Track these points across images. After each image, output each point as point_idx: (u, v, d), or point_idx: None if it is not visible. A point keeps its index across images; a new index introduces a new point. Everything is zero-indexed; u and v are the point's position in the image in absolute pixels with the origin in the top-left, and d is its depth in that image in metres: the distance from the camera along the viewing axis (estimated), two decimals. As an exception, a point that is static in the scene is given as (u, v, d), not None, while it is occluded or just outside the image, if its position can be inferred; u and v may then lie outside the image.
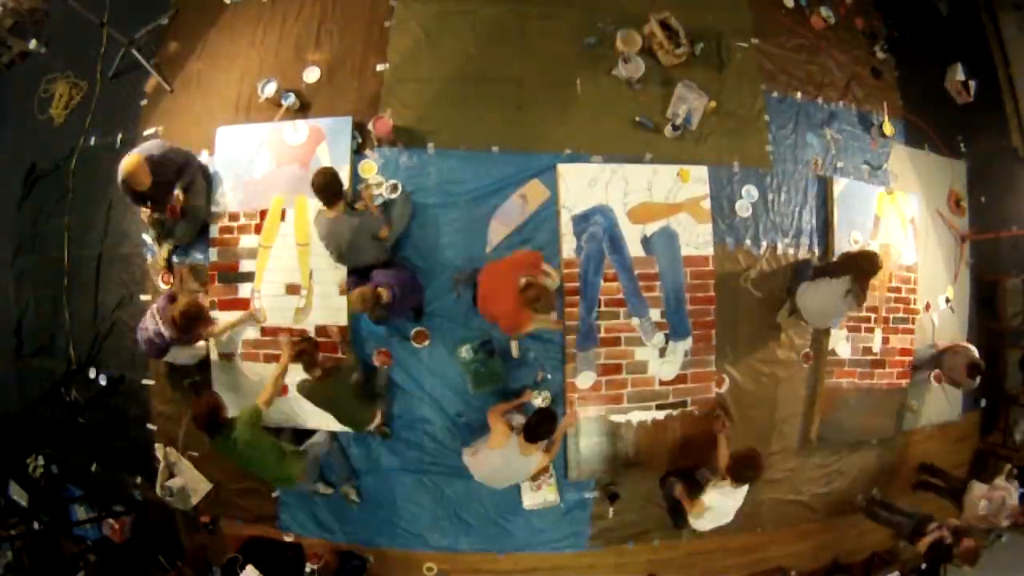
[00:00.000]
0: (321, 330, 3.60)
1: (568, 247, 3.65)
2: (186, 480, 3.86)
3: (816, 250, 4.13)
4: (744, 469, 3.17)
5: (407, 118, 3.73)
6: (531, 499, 3.69)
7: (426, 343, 3.64)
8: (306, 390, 3.13)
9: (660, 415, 3.75)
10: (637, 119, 3.86)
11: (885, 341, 4.21)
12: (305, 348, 3.06)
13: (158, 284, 3.89)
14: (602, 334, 3.68)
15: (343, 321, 3.58)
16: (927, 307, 4.51)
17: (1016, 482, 4.40)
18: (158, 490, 3.85)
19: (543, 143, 3.76)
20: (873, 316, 4.16)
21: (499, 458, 3.13)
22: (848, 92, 4.46)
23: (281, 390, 3.55)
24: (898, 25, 4.89)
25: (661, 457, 3.78)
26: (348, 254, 3.28)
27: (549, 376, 3.68)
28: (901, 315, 4.28)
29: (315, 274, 3.63)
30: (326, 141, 3.69)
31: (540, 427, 3.03)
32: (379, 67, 3.82)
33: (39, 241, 4.44)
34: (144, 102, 4.17)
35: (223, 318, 3.64)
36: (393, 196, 3.57)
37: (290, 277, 3.66)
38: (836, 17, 4.60)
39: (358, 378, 3.33)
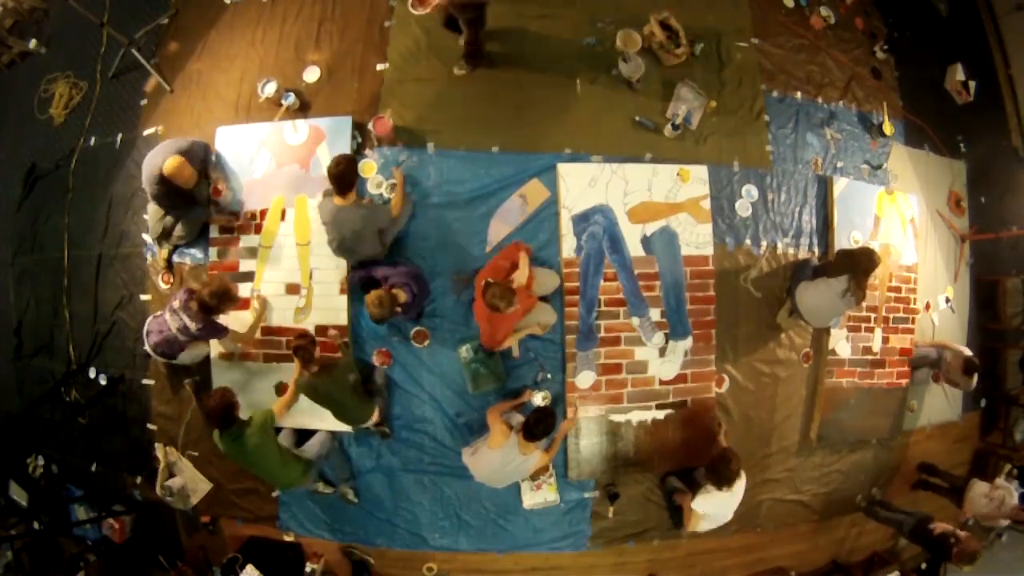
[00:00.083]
0: (320, 330, 3.60)
1: (568, 247, 3.66)
2: (186, 480, 3.86)
3: (816, 250, 4.13)
4: (721, 469, 3.16)
5: (407, 118, 3.74)
6: (531, 499, 3.69)
7: (426, 343, 3.64)
8: (304, 386, 3.13)
9: (660, 415, 3.74)
10: (637, 119, 3.87)
11: (885, 341, 4.21)
12: (302, 344, 3.05)
13: (158, 284, 3.89)
14: (602, 334, 3.68)
15: (343, 321, 3.59)
16: (927, 307, 4.52)
17: (1016, 482, 4.42)
18: (158, 490, 3.85)
19: (543, 143, 3.76)
20: (873, 316, 4.16)
21: (498, 457, 3.13)
22: (848, 92, 4.46)
23: (282, 389, 3.58)
24: (898, 25, 4.89)
25: (661, 457, 3.78)
26: (350, 244, 3.26)
27: (549, 376, 3.68)
28: (901, 315, 4.28)
29: (315, 274, 3.63)
30: (326, 141, 3.69)
31: (539, 426, 3.03)
32: (379, 67, 3.82)
33: (39, 241, 4.44)
34: (144, 102, 4.18)
35: (243, 318, 3.60)
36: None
37: (290, 277, 3.66)
38: (836, 17, 4.61)
39: (356, 375, 3.33)
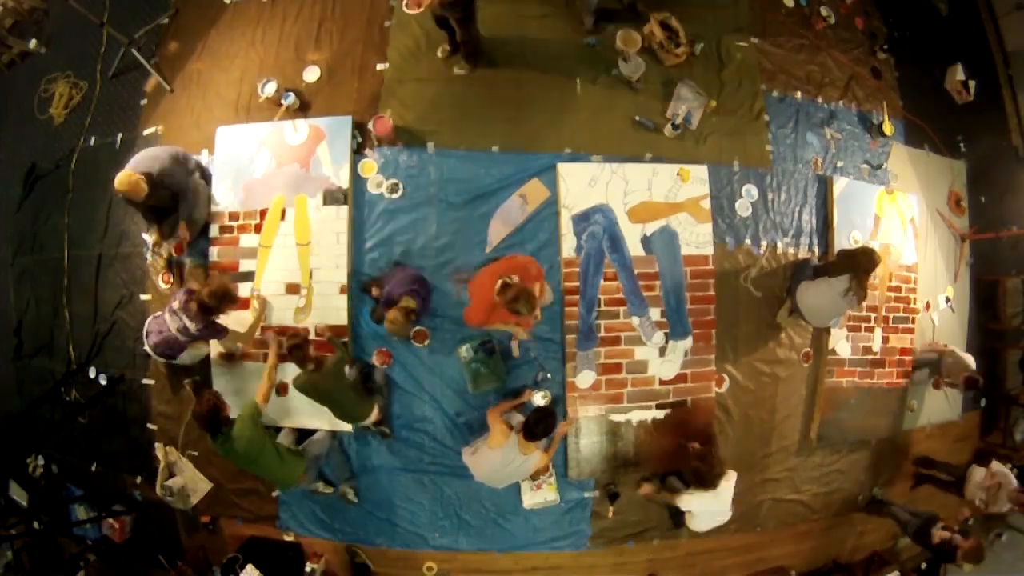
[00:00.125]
0: (321, 330, 3.60)
1: (568, 246, 3.66)
2: (186, 480, 3.86)
3: (816, 250, 4.13)
4: (702, 472, 3.17)
5: (407, 118, 3.74)
6: (531, 499, 3.69)
7: (426, 343, 3.64)
8: (301, 384, 3.12)
9: (660, 415, 3.74)
10: (637, 119, 3.87)
11: (885, 341, 4.21)
12: (296, 343, 3.04)
13: (158, 284, 3.89)
14: (602, 334, 3.68)
15: (343, 321, 3.58)
16: (927, 307, 4.52)
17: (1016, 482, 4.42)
18: (158, 490, 3.85)
19: (543, 143, 3.77)
20: (873, 316, 4.16)
21: (498, 457, 3.13)
22: (848, 92, 4.46)
23: (281, 389, 3.57)
24: (898, 25, 4.89)
25: (660, 457, 3.78)
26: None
27: (549, 375, 3.68)
28: (901, 315, 4.28)
29: (315, 274, 3.63)
30: (326, 141, 3.69)
31: (539, 425, 3.03)
32: (379, 67, 3.82)
33: (39, 241, 4.44)
34: (144, 102, 4.18)
35: (242, 318, 3.58)
36: (394, 195, 3.61)
37: (290, 277, 3.66)
38: (836, 17, 4.61)
39: (354, 372, 3.33)
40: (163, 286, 3.87)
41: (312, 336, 3.56)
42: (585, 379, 3.66)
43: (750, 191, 4.01)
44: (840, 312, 3.76)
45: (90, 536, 4.21)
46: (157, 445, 3.92)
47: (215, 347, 3.68)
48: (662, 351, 3.73)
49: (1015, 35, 5.42)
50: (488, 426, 3.24)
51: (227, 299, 3.15)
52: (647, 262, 3.75)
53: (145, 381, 3.95)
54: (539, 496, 3.69)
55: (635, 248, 3.73)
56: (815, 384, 4.11)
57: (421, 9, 3.06)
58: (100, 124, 4.30)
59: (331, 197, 3.62)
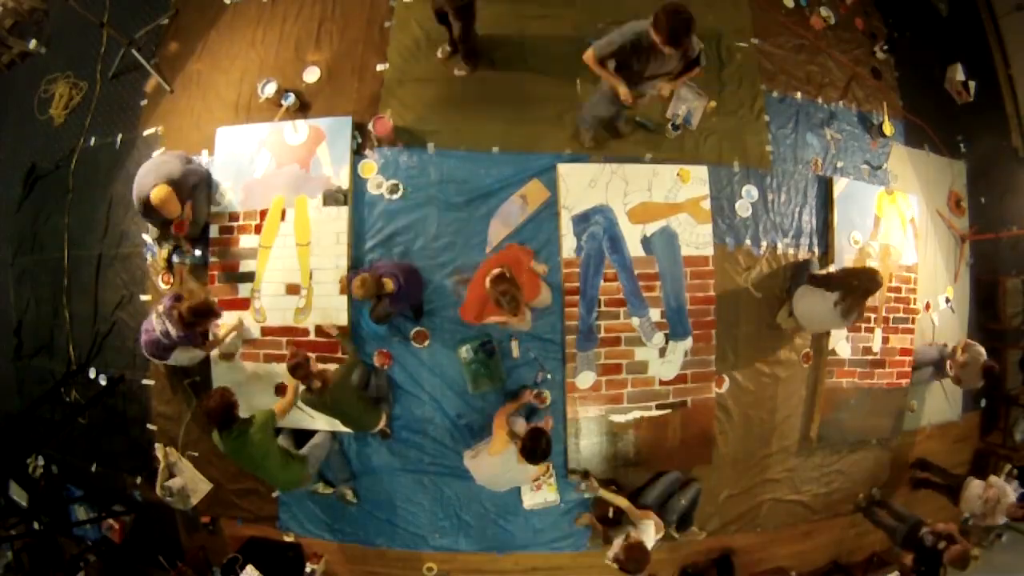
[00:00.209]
0: (319, 330, 3.61)
1: (568, 247, 3.66)
2: (186, 480, 3.86)
3: (816, 250, 4.12)
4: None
5: (407, 118, 3.74)
6: (531, 499, 3.69)
7: (426, 343, 3.64)
8: (310, 402, 3.10)
9: (659, 415, 3.74)
10: (637, 119, 3.87)
11: (885, 341, 4.21)
12: (298, 363, 2.97)
13: (158, 284, 3.89)
14: (602, 334, 3.68)
15: (343, 321, 3.59)
16: (927, 307, 4.52)
17: (1016, 482, 4.41)
18: (158, 490, 3.85)
19: (543, 143, 3.77)
20: (873, 316, 4.16)
21: (498, 463, 3.12)
22: (848, 92, 4.46)
23: (280, 389, 3.60)
24: (898, 25, 4.89)
25: (661, 457, 3.78)
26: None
27: (549, 376, 3.68)
28: (901, 315, 4.28)
29: (315, 274, 3.63)
30: (326, 141, 3.69)
31: (535, 450, 2.95)
32: (379, 67, 3.82)
33: (39, 241, 4.45)
34: (144, 102, 4.18)
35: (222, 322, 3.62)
36: (394, 195, 3.61)
37: (290, 277, 3.66)
38: (836, 17, 4.60)
39: (359, 379, 3.33)
40: (163, 286, 3.88)
41: (314, 336, 3.57)
42: (585, 379, 3.66)
43: (750, 192, 4.01)
44: (834, 326, 3.74)
45: (90, 536, 4.21)
46: (157, 445, 3.92)
47: (214, 348, 3.69)
48: (662, 352, 3.73)
49: (1015, 35, 5.42)
50: (492, 430, 3.23)
51: (207, 316, 3.25)
52: (647, 263, 3.74)
53: (145, 381, 3.95)
54: (539, 496, 3.69)
55: (635, 249, 3.73)
56: (815, 384, 4.10)
57: None
58: (100, 124, 4.31)
59: (331, 198, 3.62)
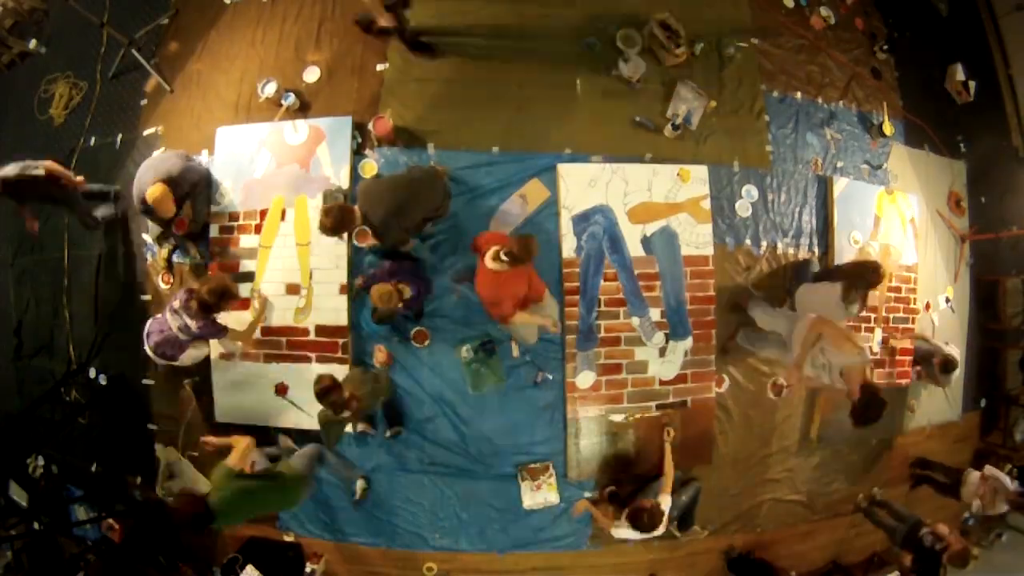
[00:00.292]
0: (321, 330, 3.62)
1: (568, 247, 3.65)
2: (186, 480, 3.86)
3: (816, 250, 4.12)
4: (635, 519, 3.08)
5: (407, 118, 3.74)
6: (531, 499, 3.69)
7: (426, 343, 3.64)
8: (325, 421, 3.06)
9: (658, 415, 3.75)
10: (637, 119, 3.87)
11: (885, 341, 4.21)
12: (329, 387, 2.85)
13: (158, 284, 3.89)
14: (602, 334, 3.68)
15: (343, 321, 3.58)
16: (927, 307, 4.52)
17: (1016, 482, 4.41)
18: (158, 490, 3.85)
19: (543, 143, 3.77)
20: (873, 316, 4.16)
21: None
22: (848, 92, 4.46)
23: (281, 389, 3.59)
24: (898, 25, 4.89)
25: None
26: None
27: (550, 376, 3.68)
28: (901, 315, 4.28)
29: (315, 274, 3.63)
30: (326, 141, 3.69)
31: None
32: (379, 67, 3.82)
33: (39, 241, 4.43)
34: (144, 102, 4.18)
35: (242, 318, 3.58)
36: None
37: (290, 277, 3.66)
38: (836, 17, 4.61)
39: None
40: (163, 286, 3.87)
41: (314, 336, 3.57)
42: (585, 379, 3.66)
43: (750, 191, 4.01)
44: (836, 319, 3.73)
45: (90, 536, 4.21)
46: (157, 445, 3.92)
47: (215, 348, 3.69)
48: (662, 351, 3.73)
49: (1015, 35, 5.42)
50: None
51: (227, 296, 3.12)
52: (647, 262, 3.75)
53: (145, 381, 3.95)
54: (539, 496, 3.69)
55: (635, 248, 3.73)
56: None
57: None
58: (100, 124, 4.30)
59: (331, 197, 3.61)
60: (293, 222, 3.67)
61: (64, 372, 4.20)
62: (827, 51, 4.49)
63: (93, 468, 4.21)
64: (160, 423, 3.96)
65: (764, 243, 4.02)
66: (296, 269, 3.65)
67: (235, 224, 3.74)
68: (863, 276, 3.37)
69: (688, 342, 3.75)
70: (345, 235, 3.50)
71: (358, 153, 3.72)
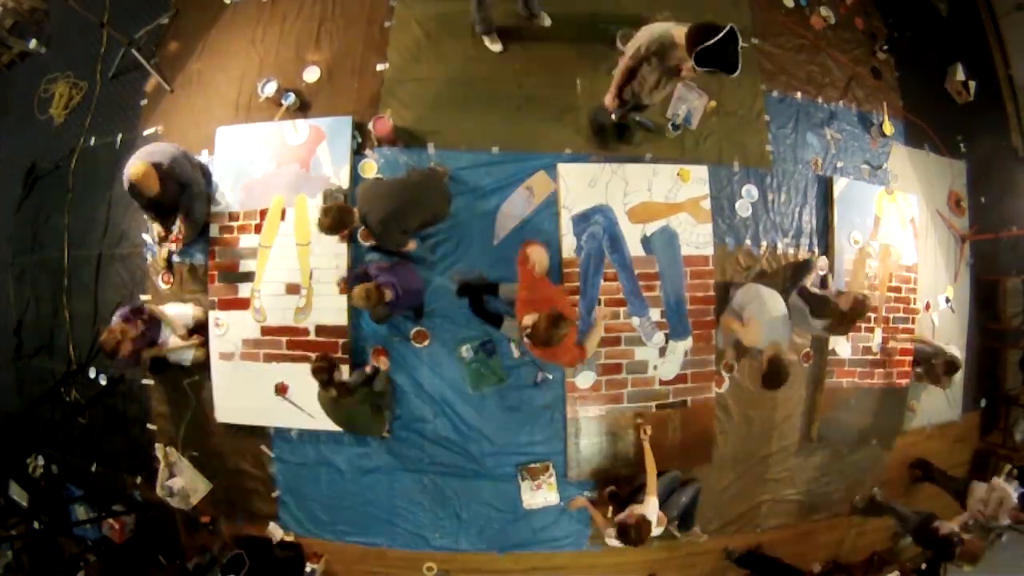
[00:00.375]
0: (321, 329, 3.62)
1: (568, 247, 3.65)
2: (186, 480, 3.86)
3: (816, 250, 4.12)
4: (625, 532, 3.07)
5: (407, 118, 3.74)
6: (531, 499, 3.69)
7: (426, 343, 3.64)
8: (326, 404, 3.11)
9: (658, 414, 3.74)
10: (637, 119, 3.86)
11: (885, 341, 4.21)
12: (321, 367, 2.96)
13: (158, 284, 3.89)
14: (602, 334, 3.67)
15: (343, 321, 3.59)
16: (927, 307, 4.52)
17: (1016, 482, 4.41)
18: (158, 490, 3.85)
19: (543, 143, 3.76)
20: (873, 316, 4.16)
21: None
22: (848, 92, 4.46)
23: (281, 389, 3.61)
24: (898, 25, 4.89)
25: (661, 457, 3.78)
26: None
27: (550, 376, 3.68)
28: (901, 315, 4.28)
29: (315, 274, 3.63)
30: (326, 141, 3.69)
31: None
32: (379, 67, 3.82)
33: (39, 241, 4.45)
34: (144, 102, 4.18)
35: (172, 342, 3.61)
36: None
37: (290, 277, 3.66)
38: (836, 17, 4.60)
39: (357, 377, 3.33)
40: (163, 286, 3.88)
41: (314, 336, 3.58)
42: (585, 379, 3.66)
43: (750, 191, 4.01)
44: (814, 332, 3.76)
45: (90, 536, 4.21)
46: (157, 445, 3.92)
47: (214, 348, 3.69)
48: (662, 351, 3.73)
49: (1015, 35, 5.42)
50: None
51: (112, 355, 3.27)
52: (647, 262, 3.74)
53: (145, 381, 3.95)
54: (539, 496, 3.69)
55: (635, 248, 3.73)
56: (815, 384, 4.11)
57: None
58: (100, 124, 4.31)
59: (331, 197, 3.61)
60: (293, 222, 3.67)
61: (64, 372, 4.20)
62: (827, 51, 4.49)
63: (93, 468, 4.21)
64: (160, 423, 3.96)
65: (764, 243, 4.02)
66: (296, 269, 3.65)
67: (235, 224, 3.74)
68: (851, 321, 3.33)
69: (688, 342, 3.75)
70: (346, 235, 3.51)
71: (358, 153, 3.71)
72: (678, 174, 3.80)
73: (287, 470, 3.81)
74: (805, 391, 4.10)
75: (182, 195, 3.52)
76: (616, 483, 3.77)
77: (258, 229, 3.71)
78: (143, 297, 3.93)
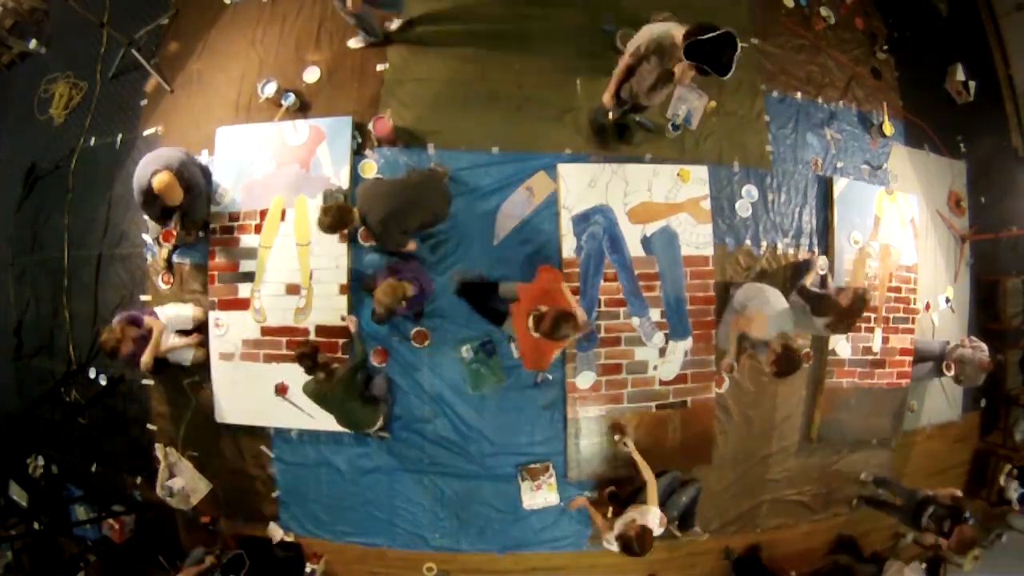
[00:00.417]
0: (321, 330, 3.62)
1: (568, 247, 3.65)
2: (186, 480, 3.86)
3: (816, 250, 4.12)
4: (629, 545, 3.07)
5: (407, 118, 3.74)
6: (531, 499, 3.69)
7: (426, 343, 3.64)
8: (311, 391, 3.12)
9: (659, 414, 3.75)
10: (637, 119, 3.86)
11: (885, 341, 4.21)
12: (304, 352, 3.00)
13: (158, 284, 3.89)
14: (602, 334, 3.68)
15: (343, 322, 3.58)
16: (927, 307, 4.52)
17: (1016, 482, 4.43)
18: (158, 490, 3.85)
19: (543, 143, 3.77)
20: (873, 316, 4.16)
21: None
22: (848, 92, 4.46)
23: (281, 389, 3.60)
24: (898, 25, 4.89)
25: (661, 457, 3.78)
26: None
27: (550, 377, 3.68)
28: (901, 315, 4.28)
29: (315, 274, 3.63)
30: (326, 141, 3.69)
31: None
32: (379, 67, 3.82)
33: (39, 241, 4.44)
34: (144, 102, 4.18)
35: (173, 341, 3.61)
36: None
37: (290, 277, 3.66)
38: (836, 17, 4.60)
39: (360, 378, 3.33)
40: (163, 286, 3.87)
41: (314, 336, 3.58)
42: (585, 380, 3.66)
43: (750, 192, 4.01)
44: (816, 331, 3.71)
45: (90, 536, 4.21)
46: (157, 445, 3.92)
47: (214, 348, 3.69)
48: (662, 352, 3.73)
49: (1015, 35, 5.42)
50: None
51: (113, 355, 3.30)
52: (647, 263, 3.75)
53: (145, 381, 3.95)
54: (539, 497, 3.69)
55: (635, 249, 3.73)
56: (815, 384, 4.11)
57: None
58: (100, 124, 4.30)
59: (331, 197, 3.61)
60: (293, 222, 3.67)
61: (64, 372, 4.20)
62: (827, 51, 4.49)
63: (93, 468, 4.21)
64: (160, 423, 3.96)
65: (764, 243, 4.02)
66: (296, 269, 3.65)
67: (235, 224, 3.74)
68: (852, 317, 3.30)
69: (688, 342, 3.75)
70: (346, 235, 3.51)
71: (358, 153, 3.71)
72: (678, 174, 3.80)
73: (287, 470, 3.81)
74: (805, 391, 4.10)
75: (188, 199, 3.52)
76: (616, 483, 3.77)
77: (258, 229, 3.71)
78: (143, 297, 3.94)
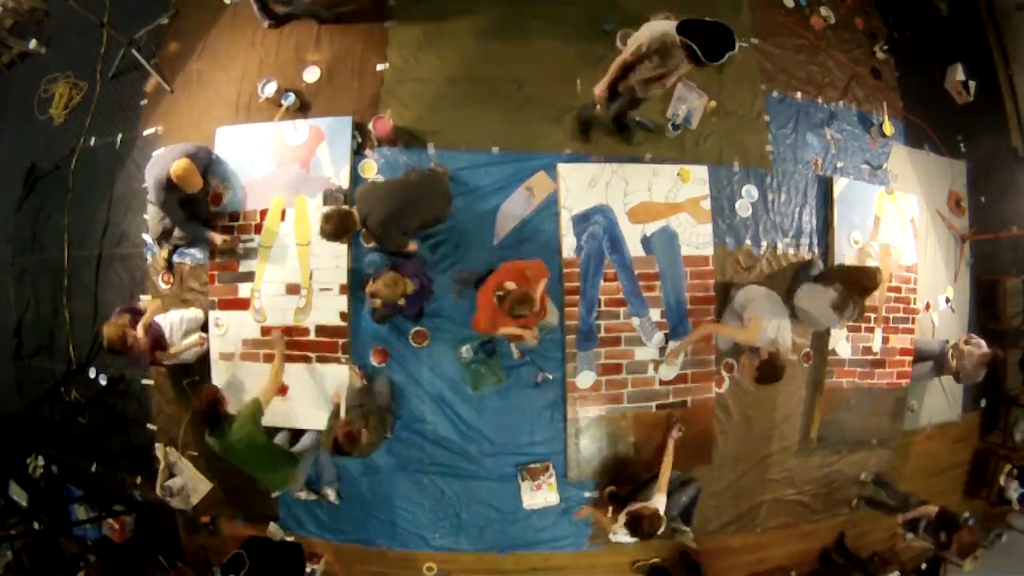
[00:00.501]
0: (321, 330, 3.61)
1: (568, 247, 3.65)
2: (186, 480, 3.87)
3: (816, 250, 4.12)
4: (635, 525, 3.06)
5: (407, 118, 3.74)
6: (531, 499, 3.69)
7: (426, 343, 3.64)
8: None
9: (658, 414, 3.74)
10: (637, 119, 3.86)
11: (885, 341, 4.21)
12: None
13: (158, 284, 3.89)
14: (602, 334, 3.68)
15: (343, 321, 3.58)
16: (927, 307, 4.52)
17: (1016, 482, 4.42)
18: (158, 490, 3.85)
19: (543, 143, 3.77)
20: (873, 316, 4.16)
21: None
22: (848, 92, 4.46)
23: (281, 390, 3.58)
24: (898, 25, 4.89)
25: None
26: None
27: (550, 376, 3.68)
28: (901, 315, 4.28)
29: (315, 274, 3.63)
30: (326, 141, 3.69)
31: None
32: (379, 67, 3.82)
33: (39, 241, 4.45)
34: (144, 102, 4.18)
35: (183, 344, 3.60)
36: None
37: (290, 277, 3.66)
38: (836, 17, 4.61)
39: (361, 391, 3.32)
40: (163, 286, 3.87)
41: (314, 336, 3.58)
42: (585, 379, 3.66)
43: (750, 192, 4.01)
44: (830, 324, 3.71)
45: (90, 536, 4.21)
46: (157, 445, 3.92)
47: (214, 348, 3.69)
48: (662, 351, 3.73)
49: (1015, 35, 5.42)
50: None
51: (119, 353, 3.25)
52: (647, 262, 3.75)
53: (145, 381, 3.95)
54: (539, 497, 3.69)
55: (635, 248, 3.73)
56: (815, 384, 4.11)
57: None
58: (100, 124, 4.31)
59: (331, 197, 3.61)
60: (293, 222, 3.67)
61: (64, 372, 4.20)
62: (827, 51, 4.49)
63: (93, 468, 4.21)
64: (160, 423, 3.96)
65: (764, 243, 4.02)
66: (296, 269, 3.65)
67: (235, 224, 3.74)
68: (859, 282, 3.34)
69: (688, 342, 3.75)
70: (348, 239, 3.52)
71: (358, 153, 3.71)
72: (678, 174, 3.80)
73: (287, 470, 3.80)
74: (805, 391, 4.10)
75: (208, 169, 3.57)
76: (616, 483, 3.76)
77: (258, 230, 3.70)
78: (143, 297, 3.94)
